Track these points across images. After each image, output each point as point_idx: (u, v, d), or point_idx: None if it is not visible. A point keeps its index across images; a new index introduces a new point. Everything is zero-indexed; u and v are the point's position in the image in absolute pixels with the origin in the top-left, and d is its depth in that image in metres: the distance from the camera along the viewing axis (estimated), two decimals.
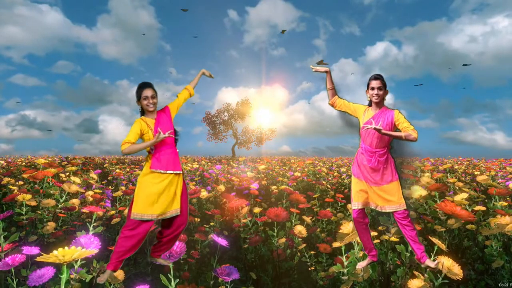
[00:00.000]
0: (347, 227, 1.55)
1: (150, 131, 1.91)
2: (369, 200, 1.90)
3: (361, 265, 1.91)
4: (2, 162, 8.45)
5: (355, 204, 1.90)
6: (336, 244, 1.56)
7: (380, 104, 1.95)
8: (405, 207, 1.86)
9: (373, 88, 1.92)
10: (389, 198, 1.87)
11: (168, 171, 1.88)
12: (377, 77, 1.92)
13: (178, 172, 1.92)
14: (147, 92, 1.92)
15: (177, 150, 1.99)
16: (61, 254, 0.64)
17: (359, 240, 1.72)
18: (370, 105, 2.00)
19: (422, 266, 1.79)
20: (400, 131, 1.84)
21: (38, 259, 0.62)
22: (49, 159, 8.26)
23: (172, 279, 1.60)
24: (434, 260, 1.75)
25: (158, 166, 1.88)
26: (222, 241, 1.82)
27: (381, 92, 1.91)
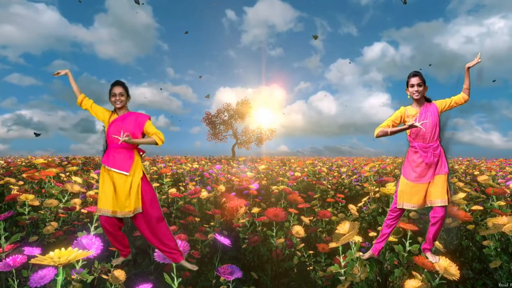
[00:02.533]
0: (343, 227, 1.56)
1: (106, 125, 1.99)
2: (415, 203, 1.91)
3: (363, 256, 1.98)
4: (2, 162, 8.47)
5: (400, 204, 1.93)
6: (332, 245, 1.57)
7: (421, 100, 1.96)
8: (446, 204, 1.85)
9: (413, 85, 1.93)
10: (434, 190, 1.87)
11: (112, 169, 1.90)
12: (416, 73, 1.94)
13: (124, 173, 1.91)
14: (115, 90, 2.00)
15: (134, 154, 1.98)
16: (56, 256, 0.64)
17: (356, 241, 1.73)
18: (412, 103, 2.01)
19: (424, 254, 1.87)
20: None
21: (32, 261, 0.63)
22: (49, 159, 8.28)
23: (175, 278, 1.61)
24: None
25: (105, 161, 1.94)
26: (225, 240, 1.83)
27: (421, 88, 1.92)
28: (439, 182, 1.87)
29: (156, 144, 2.01)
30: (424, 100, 1.98)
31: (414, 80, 1.93)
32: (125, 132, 1.92)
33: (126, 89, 2.05)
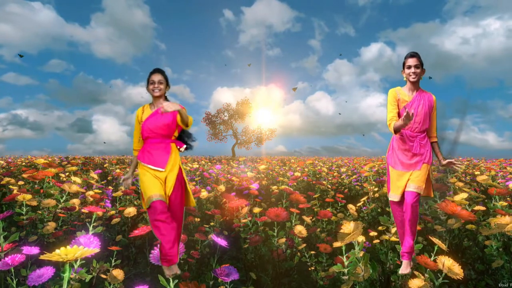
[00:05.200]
0: (348, 227, 1.55)
1: (141, 122, 1.89)
2: (399, 193, 1.81)
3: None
4: (2, 162, 8.44)
5: (393, 196, 1.81)
6: (336, 244, 1.56)
7: (416, 84, 1.83)
8: (420, 192, 1.75)
9: (409, 67, 1.80)
10: (413, 177, 1.78)
11: (148, 165, 1.82)
12: (414, 54, 1.81)
13: (159, 169, 1.81)
14: (154, 77, 1.89)
15: (170, 147, 1.87)
16: (63, 252, 0.64)
17: (359, 240, 1.72)
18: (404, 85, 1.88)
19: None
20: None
21: (42, 257, 0.63)
22: (49, 159, 8.26)
23: (171, 279, 1.60)
24: (433, 259, 1.77)
25: (142, 158, 1.85)
26: (222, 242, 1.82)
27: (418, 71, 1.79)
28: (421, 170, 1.79)
29: (187, 125, 1.88)
30: (419, 85, 1.85)
31: (411, 61, 1.79)
32: (164, 123, 1.84)
33: (165, 77, 1.92)
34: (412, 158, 1.81)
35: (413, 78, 1.80)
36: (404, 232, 1.83)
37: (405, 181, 1.80)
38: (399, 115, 1.88)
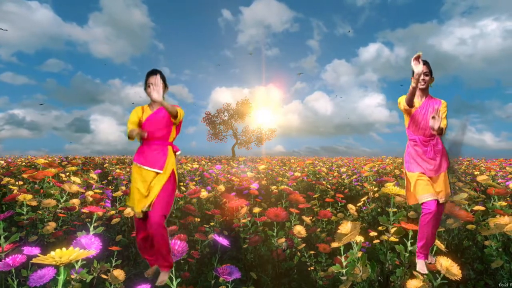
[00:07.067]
0: (345, 227, 1.55)
1: (140, 122, 1.87)
2: (432, 192, 1.77)
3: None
4: (2, 162, 8.45)
5: (425, 196, 1.75)
6: (334, 244, 1.56)
7: (425, 91, 1.87)
8: (445, 201, 1.77)
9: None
10: (436, 186, 1.79)
11: (144, 167, 1.80)
12: (424, 62, 1.83)
13: (157, 170, 1.79)
14: (151, 79, 1.85)
15: (167, 149, 1.87)
16: (58, 255, 0.63)
17: (358, 240, 1.72)
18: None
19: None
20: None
21: (34, 260, 0.62)
22: (49, 159, 8.26)
23: (174, 279, 1.61)
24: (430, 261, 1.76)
25: (137, 160, 1.83)
26: (223, 241, 1.82)
27: (427, 78, 1.83)
28: (441, 179, 1.82)
29: (175, 117, 1.84)
30: (428, 91, 1.89)
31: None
32: (161, 126, 1.84)
33: (163, 78, 1.89)
34: (429, 164, 1.82)
35: (422, 85, 1.84)
36: (426, 238, 1.80)
37: (431, 183, 1.79)
38: (411, 120, 1.90)
